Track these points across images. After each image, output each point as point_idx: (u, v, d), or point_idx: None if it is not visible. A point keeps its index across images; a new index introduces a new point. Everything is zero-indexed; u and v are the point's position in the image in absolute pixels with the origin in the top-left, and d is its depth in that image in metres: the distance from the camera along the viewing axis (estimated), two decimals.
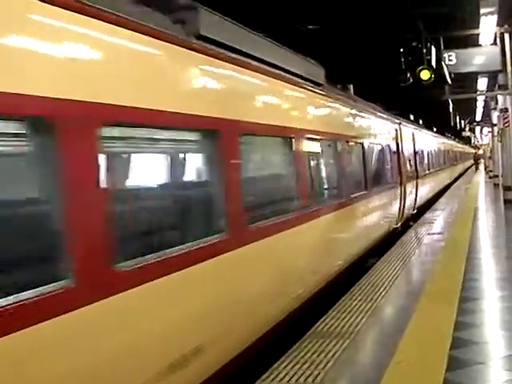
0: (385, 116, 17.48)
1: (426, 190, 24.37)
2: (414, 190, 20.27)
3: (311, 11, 16.94)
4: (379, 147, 15.59)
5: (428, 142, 28.97)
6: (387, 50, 19.92)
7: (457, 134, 66.30)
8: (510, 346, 6.41)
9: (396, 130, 18.26)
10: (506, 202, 21.27)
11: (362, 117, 14.11)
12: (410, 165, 20.35)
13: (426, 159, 26.45)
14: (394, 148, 17.36)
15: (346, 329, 7.11)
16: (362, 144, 13.18)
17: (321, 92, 10.47)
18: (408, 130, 21.55)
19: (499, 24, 17.86)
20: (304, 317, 8.44)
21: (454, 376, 5.45)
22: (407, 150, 19.99)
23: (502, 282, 9.37)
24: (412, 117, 31.51)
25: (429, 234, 15.15)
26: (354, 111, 13.08)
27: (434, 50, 18.56)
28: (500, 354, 6.14)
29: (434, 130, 43.07)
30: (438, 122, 46.68)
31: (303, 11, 16.78)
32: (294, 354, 6.35)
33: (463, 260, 11.12)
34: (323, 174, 10.85)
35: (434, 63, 18.48)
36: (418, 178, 21.49)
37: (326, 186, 10.86)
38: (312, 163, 9.71)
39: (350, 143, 12.05)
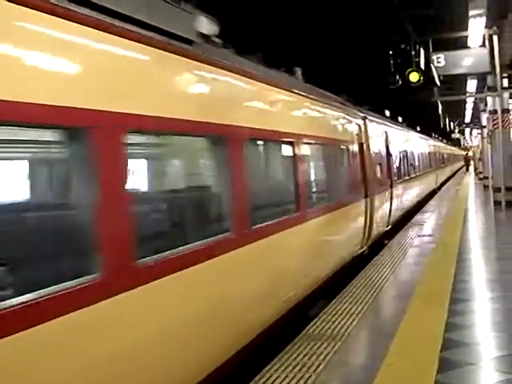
0: (337, 106, 12.82)
1: (404, 200, 20.68)
2: (386, 202, 16.79)
3: (305, 15, 17.02)
4: (326, 149, 11.19)
5: (408, 142, 24.99)
6: (376, 52, 19.98)
7: (446, 136, 66.60)
8: (501, 347, 6.42)
9: (359, 127, 14.23)
10: (495, 203, 21.34)
11: (289, 103, 9.48)
12: (381, 171, 16.54)
13: (405, 163, 22.38)
14: (354, 150, 13.29)
15: (338, 331, 7.10)
16: (291, 144, 8.88)
17: (178, 51, 5.89)
18: (378, 127, 17.49)
19: (488, 26, 17.93)
20: (295, 320, 8.44)
21: (445, 377, 5.45)
22: (377, 153, 16.26)
23: (493, 283, 9.39)
24: (388, 113, 29.27)
25: (419, 235, 15.18)
26: (271, 94, 8.53)
27: (422, 52, 18.61)
28: (491, 355, 6.15)
29: (418, 129, 41.52)
30: (427, 124, 46.84)
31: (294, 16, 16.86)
32: (285, 356, 6.34)
33: (453, 262, 11.14)
34: (186, 195, 6.46)
35: (422, 65, 18.52)
36: (392, 186, 17.82)
37: (187, 219, 6.34)
38: (152, 175, 5.92)
39: (258, 143, 8.30)
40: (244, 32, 15.52)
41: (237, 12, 15.19)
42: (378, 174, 16.02)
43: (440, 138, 59.88)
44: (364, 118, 15.17)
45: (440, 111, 40.86)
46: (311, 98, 10.61)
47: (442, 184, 40.83)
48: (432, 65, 18.73)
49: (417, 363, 5.86)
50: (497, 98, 20.79)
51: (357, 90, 19.99)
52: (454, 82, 24.88)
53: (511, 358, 5.96)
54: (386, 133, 18.37)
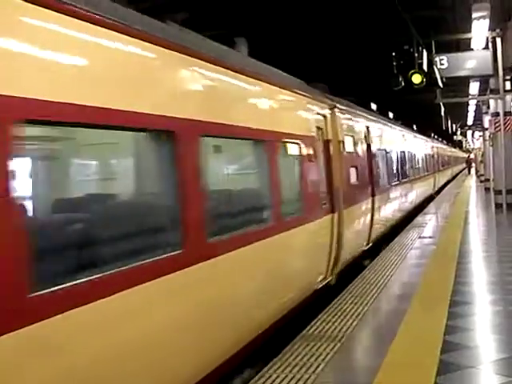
0: (282, 87, 8.87)
1: (389, 211, 17.46)
2: (366, 215, 13.82)
3: (309, 18, 17.03)
4: (257, 147, 7.77)
5: (398, 141, 21.50)
6: (379, 53, 19.98)
7: (448, 138, 66.58)
8: (501, 349, 6.41)
9: (323, 118, 10.81)
10: (496, 205, 21.34)
11: (201, 77, 6.27)
12: (359, 176, 13.27)
13: (393, 166, 19.16)
14: (312, 149, 9.64)
15: (338, 332, 7.10)
16: (176, 137, 5.39)
17: None
18: (354, 120, 14.01)
19: (491, 28, 17.94)
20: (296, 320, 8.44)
21: (445, 380, 5.44)
22: (351, 153, 12.96)
23: (493, 285, 9.38)
24: (375, 106, 27.69)
25: (419, 237, 15.17)
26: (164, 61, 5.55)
27: (425, 53, 18.63)
28: (491, 358, 6.14)
29: (414, 127, 40.04)
30: (429, 125, 46.86)
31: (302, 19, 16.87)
32: (285, 356, 6.34)
33: (454, 264, 11.13)
34: None
35: (425, 67, 18.54)
36: (374, 194, 14.69)
37: None
38: None
39: (134, 137, 5.45)
40: None
41: None
42: (353, 181, 12.85)
43: (440, 139, 59.76)
44: (332, 108, 11.56)
45: (442, 113, 40.85)
46: (226, 67, 6.87)
47: (442, 187, 39.65)
48: (435, 67, 18.73)
49: (417, 365, 5.85)
50: (499, 101, 20.79)
51: (364, 91, 19.96)
52: (457, 84, 24.90)
53: (511, 360, 5.96)
54: (367, 128, 15.13)
